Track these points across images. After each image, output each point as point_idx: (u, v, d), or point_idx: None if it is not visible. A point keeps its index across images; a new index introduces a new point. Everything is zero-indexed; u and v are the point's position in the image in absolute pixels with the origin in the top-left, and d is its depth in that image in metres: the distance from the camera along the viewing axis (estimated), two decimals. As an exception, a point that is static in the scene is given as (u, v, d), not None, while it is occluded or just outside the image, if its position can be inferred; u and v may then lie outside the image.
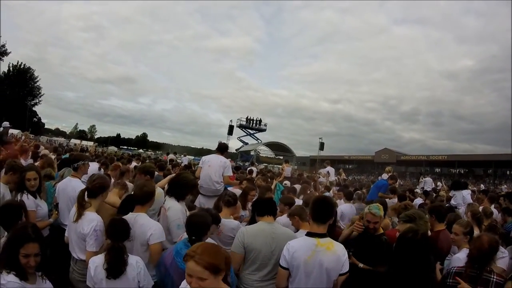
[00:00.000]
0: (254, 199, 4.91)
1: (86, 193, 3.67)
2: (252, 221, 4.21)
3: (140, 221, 3.49)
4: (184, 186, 4.31)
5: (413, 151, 75.22)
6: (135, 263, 3.07)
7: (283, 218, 4.73)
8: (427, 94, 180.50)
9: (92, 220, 3.49)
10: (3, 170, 4.64)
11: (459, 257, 3.76)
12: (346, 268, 3.04)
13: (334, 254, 3.02)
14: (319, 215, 3.16)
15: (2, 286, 2.47)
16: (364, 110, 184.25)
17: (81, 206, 3.57)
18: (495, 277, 3.04)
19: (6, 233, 3.17)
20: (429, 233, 4.81)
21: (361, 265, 3.75)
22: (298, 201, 6.10)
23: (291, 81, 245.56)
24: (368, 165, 71.00)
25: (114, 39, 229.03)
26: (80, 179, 4.76)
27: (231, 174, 6.92)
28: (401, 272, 2.61)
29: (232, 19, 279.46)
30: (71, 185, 4.57)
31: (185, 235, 3.30)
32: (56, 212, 4.55)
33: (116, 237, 3.10)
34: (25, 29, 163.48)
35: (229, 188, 6.18)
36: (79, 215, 3.54)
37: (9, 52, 53.78)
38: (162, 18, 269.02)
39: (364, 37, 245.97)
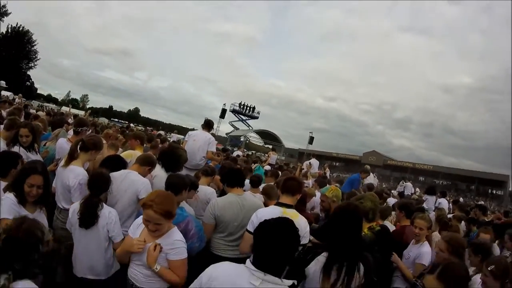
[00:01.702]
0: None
1: (79, 145, 3.93)
2: (223, 192, 4.51)
3: (132, 177, 3.81)
4: (177, 161, 4.60)
5: (401, 158, 75.76)
6: (108, 213, 3.24)
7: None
8: (422, 104, 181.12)
9: (78, 174, 3.74)
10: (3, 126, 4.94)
11: (426, 251, 4.14)
12: (305, 240, 3.27)
13: (297, 224, 3.18)
14: (287, 188, 3.49)
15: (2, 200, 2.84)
16: (358, 111, 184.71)
17: (71, 156, 3.86)
18: None
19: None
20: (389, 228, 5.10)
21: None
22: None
23: (289, 73, 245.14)
24: (355, 165, 70.99)
25: (116, 12, 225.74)
26: None
27: (215, 150, 7.12)
28: (331, 239, 2.74)
29: (239, 6, 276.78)
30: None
31: None
32: (55, 164, 4.72)
33: (94, 190, 3.31)
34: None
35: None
36: (67, 163, 3.82)
37: (10, 13, 53.68)
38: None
39: (368, 40, 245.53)
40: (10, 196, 2.89)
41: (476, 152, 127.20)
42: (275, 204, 3.53)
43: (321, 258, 2.58)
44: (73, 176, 3.73)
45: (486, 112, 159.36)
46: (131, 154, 4.93)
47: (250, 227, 3.35)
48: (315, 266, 2.58)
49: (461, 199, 40.22)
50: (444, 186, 58.86)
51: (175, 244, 2.71)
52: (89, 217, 3.17)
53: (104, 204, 3.32)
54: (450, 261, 2.66)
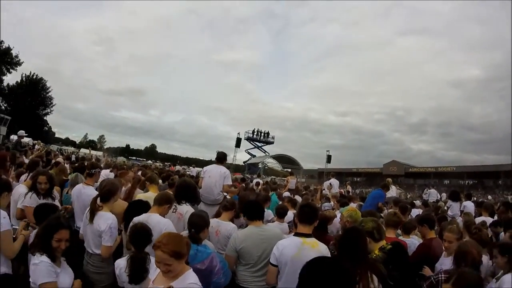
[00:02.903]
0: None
1: (98, 198, 4.09)
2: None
3: (154, 220, 3.86)
4: (195, 189, 4.88)
5: (422, 163, 74.88)
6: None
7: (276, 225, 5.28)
8: (435, 104, 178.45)
9: (108, 219, 3.92)
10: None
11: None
12: None
13: (318, 252, 3.32)
14: (304, 218, 3.55)
15: (35, 265, 2.94)
16: (372, 122, 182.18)
17: (93, 211, 4.00)
18: None
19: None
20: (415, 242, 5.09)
21: None
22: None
23: (299, 94, 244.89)
24: (377, 178, 70.19)
25: (125, 52, 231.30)
26: (93, 186, 5.16)
27: (231, 183, 7.15)
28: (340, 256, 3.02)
29: (240, 34, 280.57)
30: (85, 193, 4.93)
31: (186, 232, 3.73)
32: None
33: (139, 245, 3.29)
34: (38, 41, 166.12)
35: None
36: (92, 217, 3.98)
37: (22, 62, 55.16)
38: (172, 33, 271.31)
39: (370, 49, 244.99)
40: (44, 259, 2.96)
41: (497, 144, 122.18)
42: (294, 235, 3.59)
43: None
44: (103, 221, 3.90)
45: (499, 101, 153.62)
46: (147, 197, 5.02)
47: (273, 259, 3.43)
48: None
49: (489, 197, 39.46)
50: (471, 186, 57.82)
51: (189, 287, 2.69)
52: (139, 273, 3.19)
53: (150, 256, 3.29)
54: (464, 270, 2.77)
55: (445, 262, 4.18)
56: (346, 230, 3.26)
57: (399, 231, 5.33)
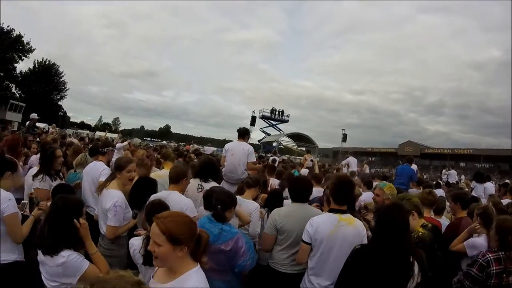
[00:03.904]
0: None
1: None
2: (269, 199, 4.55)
3: (174, 198, 3.65)
4: (218, 167, 4.76)
5: (438, 144, 73.66)
6: None
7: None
8: (453, 85, 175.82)
9: (113, 197, 3.68)
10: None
11: (482, 243, 3.81)
12: (365, 242, 3.14)
13: (355, 229, 3.16)
14: (339, 197, 3.27)
15: (63, 264, 2.54)
16: (389, 101, 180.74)
17: (101, 188, 3.89)
18: None
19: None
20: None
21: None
22: (320, 190, 6.10)
23: (314, 72, 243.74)
24: (392, 158, 69.70)
25: (136, 35, 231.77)
26: (104, 163, 5.05)
27: (255, 160, 6.85)
28: (376, 237, 2.79)
29: (253, 12, 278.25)
30: (95, 167, 4.85)
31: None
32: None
33: None
34: (49, 28, 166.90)
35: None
36: (98, 195, 3.89)
37: (34, 49, 55.58)
38: (183, 13, 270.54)
39: (387, 26, 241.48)
40: (71, 253, 2.59)
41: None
42: (328, 211, 3.33)
43: None
44: (109, 199, 3.70)
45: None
46: (160, 175, 4.96)
47: (306, 237, 3.20)
48: None
49: (507, 181, 38.92)
50: (487, 169, 56.77)
51: None
52: None
53: None
54: None
55: (479, 242, 3.88)
56: (387, 207, 2.97)
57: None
